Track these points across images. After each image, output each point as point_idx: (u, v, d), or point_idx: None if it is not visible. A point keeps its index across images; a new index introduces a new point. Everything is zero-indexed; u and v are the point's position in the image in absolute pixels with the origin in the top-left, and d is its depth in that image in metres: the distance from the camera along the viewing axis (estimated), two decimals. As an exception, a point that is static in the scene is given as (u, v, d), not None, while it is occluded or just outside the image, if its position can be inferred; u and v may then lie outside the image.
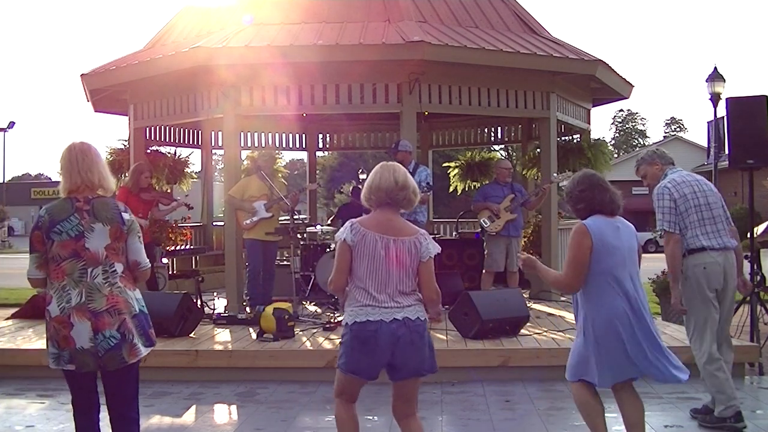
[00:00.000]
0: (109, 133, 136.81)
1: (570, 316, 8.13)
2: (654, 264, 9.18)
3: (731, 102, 6.99)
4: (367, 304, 3.50)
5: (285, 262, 9.46)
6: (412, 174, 7.96)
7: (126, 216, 3.55)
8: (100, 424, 3.66)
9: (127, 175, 9.72)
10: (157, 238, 9.52)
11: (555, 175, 9.16)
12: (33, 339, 7.24)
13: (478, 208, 8.76)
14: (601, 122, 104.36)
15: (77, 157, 3.66)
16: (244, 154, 11.35)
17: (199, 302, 8.14)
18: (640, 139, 69.61)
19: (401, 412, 3.67)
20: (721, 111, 13.97)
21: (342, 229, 3.60)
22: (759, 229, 10.25)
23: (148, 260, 3.68)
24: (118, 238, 3.48)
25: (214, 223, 12.47)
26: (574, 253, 3.83)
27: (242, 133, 11.17)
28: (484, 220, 8.61)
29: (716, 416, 4.84)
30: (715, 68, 16.13)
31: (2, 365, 6.54)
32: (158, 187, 10.06)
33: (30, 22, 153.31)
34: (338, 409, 3.66)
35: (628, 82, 10.70)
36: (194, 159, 12.97)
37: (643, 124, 76.93)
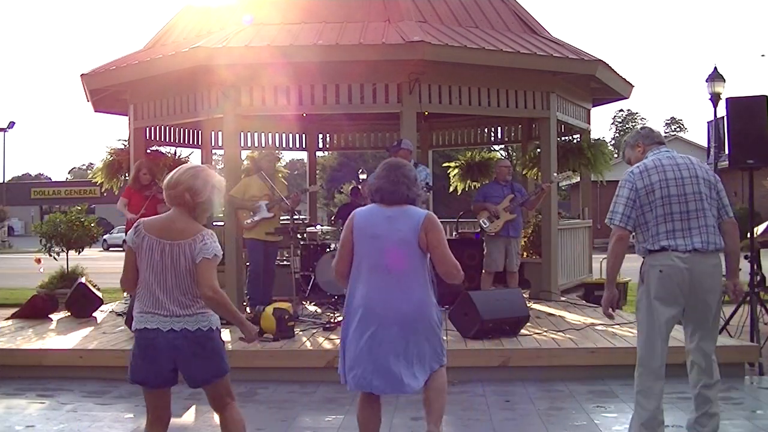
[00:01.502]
0: (109, 133, 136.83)
1: (570, 316, 8.14)
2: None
3: (731, 102, 6.99)
4: (147, 311, 3.35)
5: (285, 262, 9.46)
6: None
7: None
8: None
9: (128, 175, 9.80)
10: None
11: (555, 175, 9.17)
12: (33, 339, 7.24)
13: (477, 209, 8.76)
14: (601, 122, 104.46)
15: None
16: (244, 154, 11.34)
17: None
18: (640, 139, 69.56)
19: (215, 407, 3.57)
20: (721, 111, 13.97)
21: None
22: (759, 229, 10.24)
23: None
24: None
25: (214, 223, 12.43)
26: None
27: (242, 133, 11.16)
28: (483, 221, 8.61)
29: None
30: (715, 68, 16.15)
31: (2, 365, 6.53)
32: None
33: (30, 22, 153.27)
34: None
35: (628, 82, 10.70)
36: (194, 159, 12.95)
37: (644, 124, 76.86)
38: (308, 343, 6.75)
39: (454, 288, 8.37)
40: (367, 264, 3.75)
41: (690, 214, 4.09)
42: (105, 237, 45.84)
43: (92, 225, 9.90)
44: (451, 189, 13.14)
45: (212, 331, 3.39)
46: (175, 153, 10.86)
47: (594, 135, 11.38)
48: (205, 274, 3.29)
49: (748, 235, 7.40)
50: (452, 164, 12.97)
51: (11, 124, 45.47)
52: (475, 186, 12.52)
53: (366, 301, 3.71)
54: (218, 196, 3.49)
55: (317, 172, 18.23)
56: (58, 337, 7.37)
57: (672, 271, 4.08)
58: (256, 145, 12.55)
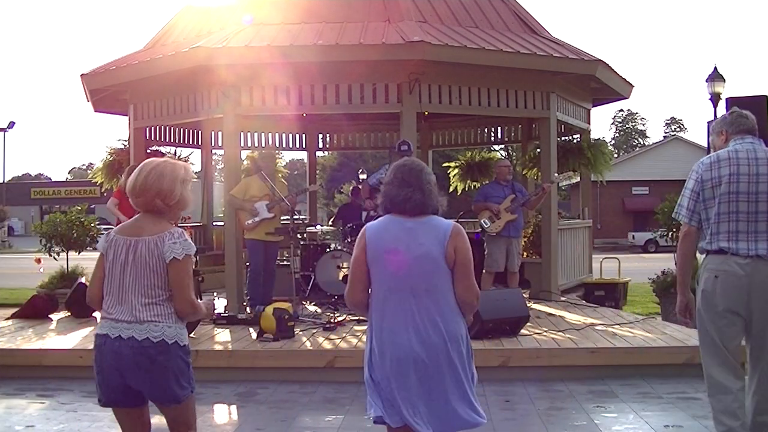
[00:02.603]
0: (109, 133, 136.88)
1: (570, 316, 8.14)
2: (654, 264, 9.19)
3: (731, 102, 6.98)
4: (104, 316, 3.10)
5: (285, 262, 9.46)
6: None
7: None
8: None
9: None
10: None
11: (556, 175, 9.17)
12: (33, 339, 7.24)
13: (478, 209, 8.76)
14: (601, 122, 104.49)
15: None
16: (244, 154, 11.34)
17: (199, 302, 8.14)
18: (640, 139, 69.69)
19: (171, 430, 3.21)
20: (721, 111, 13.95)
21: None
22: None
23: None
24: None
25: (214, 223, 12.47)
26: None
27: (242, 133, 11.16)
28: (484, 221, 8.60)
29: None
30: (715, 68, 16.12)
31: (2, 365, 6.53)
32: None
33: (30, 22, 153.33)
34: None
35: (628, 82, 10.70)
36: (194, 159, 12.97)
37: (643, 124, 77.04)
38: (308, 343, 6.75)
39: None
40: (386, 286, 3.15)
41: (759, 216, 3.58)
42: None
43: (92, 225, 9.90)
44: (451, 189, 13.14)
45: (165, 344, 3.00)
46: (175, 153, 10.87)
47: (594, 135, 11.39)
48: (182, 287, 3.03)
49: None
50: (452, 164, 12.96)
51: (11, 124, 45.45)
52: (474, 186, 12.51)
53: (389, 335, 3.14)
54: (189, 188, 3.20)
55: (317, 172, 18.22)
56: (58, 337, 7.37)
57: (728, 278, 3.60)
58: (256, 145, 12.55)
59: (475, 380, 3.28)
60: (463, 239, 3.16)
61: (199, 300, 3.23)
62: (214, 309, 3.42)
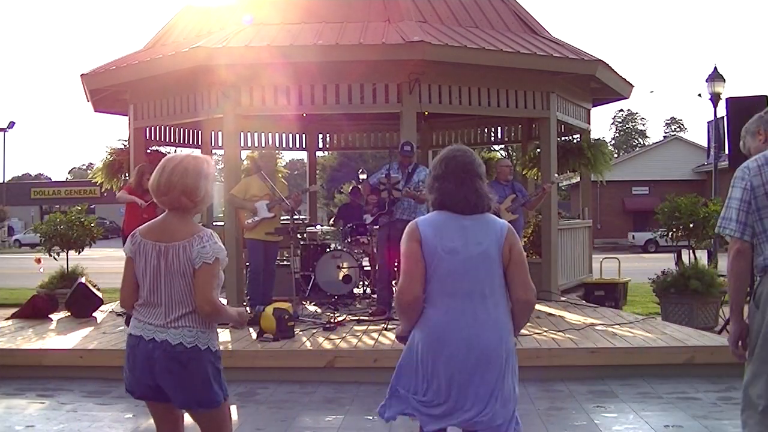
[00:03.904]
0: (109, 133, 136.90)
1: (570, 316, 8.14)
2: (654, 264, 9.19)
3: (731, 102, 7.01)
4: (136, 317, 3.11)
5: (285, 262, 9.46)
6: (411, 174, 7.97)
7: None
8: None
9: (128, 175, 9.80)
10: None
11: (555, 175, 9.17)
12: (33, 339, 7.24)
13: None
14: (601, 122, 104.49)
15: None
16: (244, 154, 11.35)
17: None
18: (640, 139, 69.68)
19: None
20: (721, 111, 13.95)
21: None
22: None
23: None
24: None
25: (214, 223, 12.45)
26: None
27: (242, 133, 11.17)
28: None
29: None
30: (715, 68, 16.10)
31: (2, 365, 6.53)
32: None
33: (30, 22, 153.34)
34: None
35: (628, 82, 10.70)
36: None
37: (643, 124, 77.05)
38: (308, 343, 6.75)
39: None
40: (442, 286, 3.00)
41: None
42: (17, 236, 44.78)
43: (92, 225, 9.90)
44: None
45: (197, 350, 3.02)
46: (175, 153, 10.86)
47: (594, 135, 11.39)
48: (204, 285, 3.01)
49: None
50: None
51: (11, 124, 45.51)
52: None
53: (443, 332, 2.98)
54: (212, 182, 3.18)
55: (317, 172, 18.22)
56: (58, 337, 7.37)
57: None
58: (256, 145, 12.56)
59: (516, 396, 3.20)
60: (516, 238, 3.09)
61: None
62: (248, 317, 3.38)
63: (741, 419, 3.25)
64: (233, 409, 5.64)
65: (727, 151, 8.50)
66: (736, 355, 3.29)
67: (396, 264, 7.69)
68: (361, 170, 38.72)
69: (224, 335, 7.24)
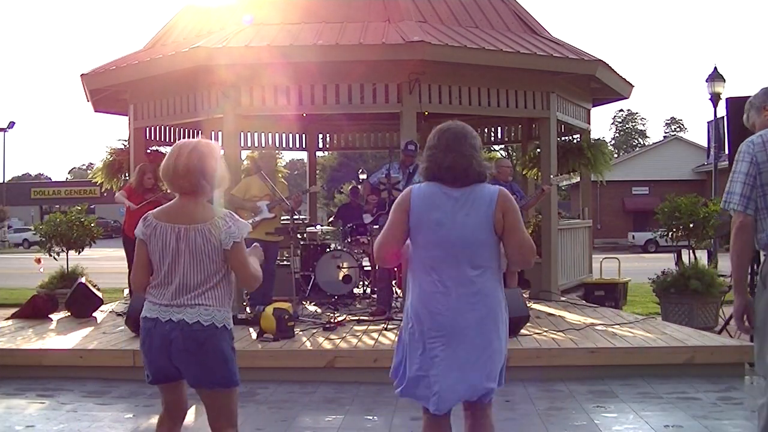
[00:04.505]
0: (109, 133, 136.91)
1: (570, 316, 8.14)
2: (654, 264, 9.19)
3: (731, 102, 7.00)
4: (150, 300, 3.14)
5: (285, 262, 9.46)
6: (412, 174, 7.97)
7: None
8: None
9: (128, 175, 9.81)
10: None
11: (553, 176, 9.16)
12: (33, 339, 7.23)
13: None
14: (601, 122, 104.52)
15: None
16: (244, 154, 11.35)
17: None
18: (640, 139, 69.69)
19: (212, 425, 3.22)
20: (721, 111, 13.97)
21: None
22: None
23: None
24: None
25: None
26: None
27: (242, 133, 11.16)
28: None
29: None
30: (715, 68, 16.11)
31: (2, 365, 6.52)
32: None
33: (30, 22, 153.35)
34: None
35: (628, 82, 10.70)
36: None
37: (643, 124, 77.08)
38: (308, 343, 6.75)
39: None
40: (430, 258, 3.05)
41: None
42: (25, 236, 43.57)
43: (92, 225, 9.90)
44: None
45: (215, 328, 3.06)
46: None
47: (594, 135, 11.40)
48: (244, 263, 3.15)
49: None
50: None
51: (11, 124, 45.51)
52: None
53: (433, 305, 3.04)
54: (224, 165, 3.28)
55: (317, 172, 18.22)
56: (58, 337, 7.37)
57: None
58: (256, 145, 12.56)
59: (504, 357, 3.18)
60: (510, 201, 3.08)
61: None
62: (261, 253, 3.53)
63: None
64: (233, 409, 5.65)
65: (727, 151, 8.49)
66: (741, 329, 3.29)
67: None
68: (361, 170, 38.73)
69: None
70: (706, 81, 16.00)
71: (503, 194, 3.07)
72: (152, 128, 10.52)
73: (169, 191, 3.38)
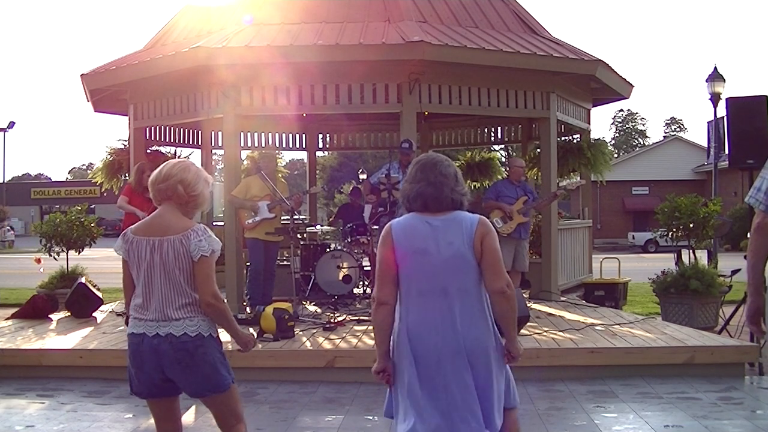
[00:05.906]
0: (109, 133, 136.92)
1: (570, 316, 8.14)
2: (654, 264, 9.18)
3: (731, 102, 7.01)
4: (134, 315, 3.18)
5: (285, 262, 9.46)
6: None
7: None
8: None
9: (128, 175, 9.81)
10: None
11: (564, 182, 9.14)
12: (33, 339, 7.23)
13: (490, 207, 8.66)
14: (601, 122, 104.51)
15: None
16: (244, 154, 11.35)
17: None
18: (640, 139, 69.71)
19: (221, 427, 3.35)
20: (721, 111, 13.94)
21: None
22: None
23: None
24: None
25: (214, 223, 12.45)
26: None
27: (242, 133, 11.16)
28: (497, 220, 8.53)
29: None
30: (715, 68, 16.09)
31: (2, 365, 6.53)
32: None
33: (30, 22, 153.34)
34: None
35: (628, 82, 10.70)
36: (194, 159, 12.95)
37: (643, 124, 77.11)
38: (308, 343, 6.75)
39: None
40: (416, 287, 3.04)
41: None
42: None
43: (92, 225, 9.90)
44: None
45: (201, 337, 3.12)
46: (175, 153, 10.87)
47: (594, 135, 11.39)
48: (206, 279, 3.11)
49: (748, 235, 7.39)
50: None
51: (11, 124, 45.49)
52: (475, 186, 12.50)
53: (418, 335, 3.03)
54: (209, 191, 3.33)
55: (317, 172, 18.22)
56: (58, 337, 7.37)
57: None
58: (256, 145, 12.56)
59: (502, 396, 3.23)
60: (489, 230, 3.06)
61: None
62: (254, 343, 3.44)
63: None
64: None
65: (727, 151, 8.49)
66: (755, 332, 3.18)
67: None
68: (361, 170, 38.71)
69: (224, 335, 7.23)
70: (706, 81, 15.99)
71: (482, 221, 3.09)
72: (152, 128, 10.52)
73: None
